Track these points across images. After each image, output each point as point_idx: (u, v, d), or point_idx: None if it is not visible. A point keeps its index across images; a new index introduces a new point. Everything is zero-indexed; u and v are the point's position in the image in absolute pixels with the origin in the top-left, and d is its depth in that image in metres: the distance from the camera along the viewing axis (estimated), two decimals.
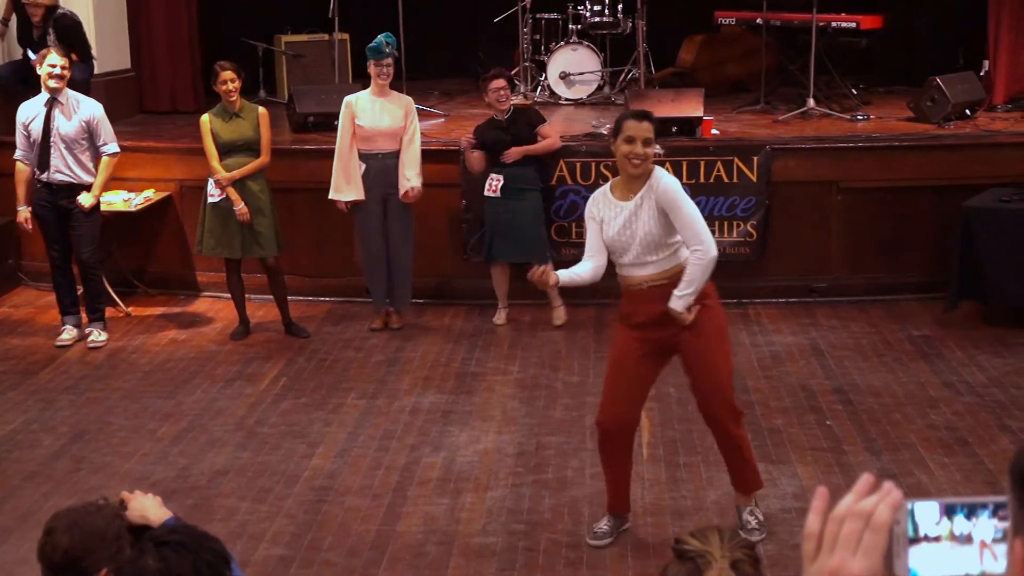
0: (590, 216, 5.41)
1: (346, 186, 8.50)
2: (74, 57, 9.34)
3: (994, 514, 1.52)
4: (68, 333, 8.54)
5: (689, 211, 5.24)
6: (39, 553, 2.99)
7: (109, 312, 9.08)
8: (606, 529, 5.63)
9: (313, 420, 7.16)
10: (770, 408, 7.21)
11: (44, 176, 8.28)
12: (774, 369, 7.88)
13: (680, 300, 5.26)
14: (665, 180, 5.25)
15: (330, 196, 8.55)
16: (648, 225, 5.22)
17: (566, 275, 5.42)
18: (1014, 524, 1.51)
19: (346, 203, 8.53)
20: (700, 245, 5.21)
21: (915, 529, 1.52)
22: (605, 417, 5.52)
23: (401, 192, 8.47)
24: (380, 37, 8.43)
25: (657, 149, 5.48)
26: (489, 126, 8.72)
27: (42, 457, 6.68)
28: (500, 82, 8.57)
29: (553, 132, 8.88)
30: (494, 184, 8.62)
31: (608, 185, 5.44)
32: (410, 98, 8.74)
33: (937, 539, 1.51)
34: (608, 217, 5.31)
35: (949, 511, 1.52)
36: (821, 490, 1.58)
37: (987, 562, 1.51)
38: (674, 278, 5.29)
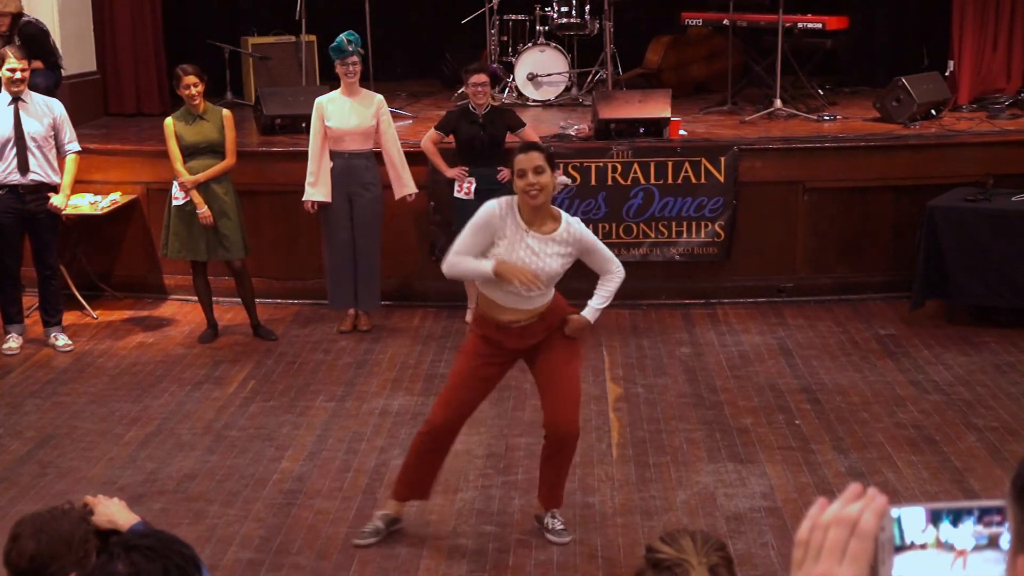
0: (487, 222, 5.27)
1: (314, 187, 8.49)
2: (39, 64, 9.26)
3: (979, 520, 1.52)
4: (15, 341, 8.44)
5: (602, 245, 5.48)
6: (4, 559, 2.97)
7: (75, 316, 9.05)
8: (378, 526, 5.70)
9: (282, 423, 7.14)
10: (738, 408, 7.23)
11: (22, 179, 8.12)
12: (742, 369, 7.91)
13: (595, 313, 5.50)
14: (577, 227, 5.37)
15: (303, 197, 8.55)
16: (552, 266, 5.30)
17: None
18: (1017, 539, 1.50)
19: (313, 203, 8.53)
20: (616, 266, 5.49)
21: (901, 536, 1.51)
22: (440, 419, 5.58)
23: (398, 196, 8.60)
24: (341, 36, 8.41)
25: (561, 178, 5.46)
26: (463, 116, 8.60)
27: (8, 462, 6.63)
28: (481, 76, 8.52)
29: (535, 134, 8.75)
30: (467, 187, 8.56)
31: (515, 202, 5.30)
32: (381, 96, 8.70)
33: (923, 546, 1.51)
34: (510, 236, 5.25)
35: (935, 518, 1.52)
36: (821, 500, 1.57)
37: (968, 570, 1.51)
38: (540, 315, 5.40)
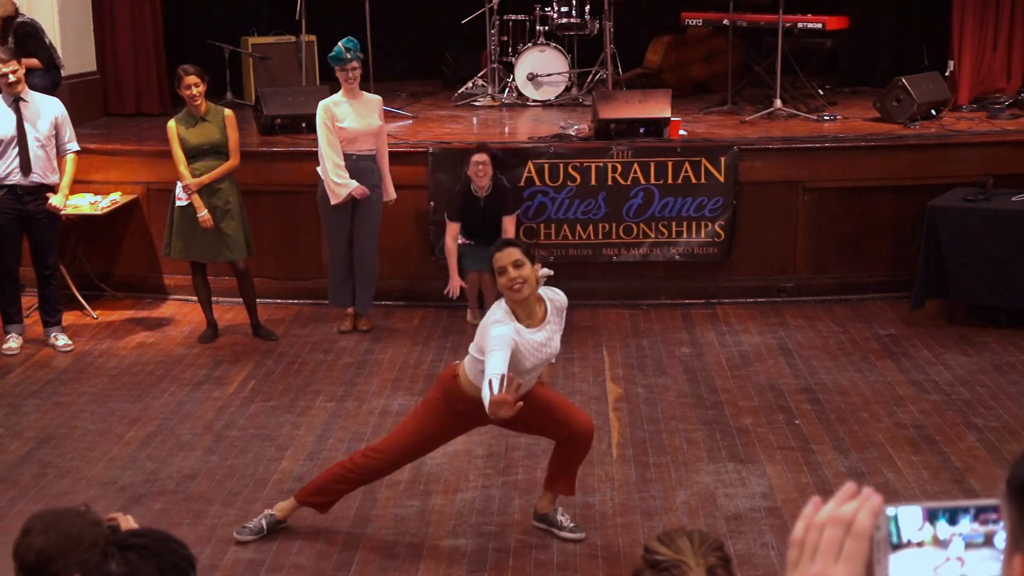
0: (510, 339, 5.05)
1: (348, 183, 8.39)
2: (35, 64, 9.27)
3: (976, 518, 1.52)
4: (15, 341, 8.43)
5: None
6: (13, 552, 2.97)
7: (75, 316, 9.05)
8: (262, 525, 5.74)
9: (282, 423, 7.14)
10: (738, 408, 7.23)
11: (23, 179, 8.10)
12: (742, 369, 7.91)
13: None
14: (557, 296, 5.37)
15: (333, 202, 8.39)
16: (557, 342, 5.35)
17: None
18: (1013, 539, 1.50)
19: (360, 191, 8.42)
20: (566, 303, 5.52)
21: (898, 534, 1.51)
22: (378, 467, 5.58)
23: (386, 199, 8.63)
24: (339, 44, 8.39)
25: (544, 271, 5.41)
26: (466, 201, 8.61)
27: (8, 462, 6.63)
28: (482, 156, 8.50)
29: (512, 224, 8.68)
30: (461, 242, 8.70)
31: (509, 314, 5.17)
32: (379, 97, 8.72)
33: (920, 544, 1.51)
34: (523, 343, 5.16)
35: (932, 516, 1.52)
36: (815, 500, 1.57)
37: (965, 568, 1.51)
38: None
